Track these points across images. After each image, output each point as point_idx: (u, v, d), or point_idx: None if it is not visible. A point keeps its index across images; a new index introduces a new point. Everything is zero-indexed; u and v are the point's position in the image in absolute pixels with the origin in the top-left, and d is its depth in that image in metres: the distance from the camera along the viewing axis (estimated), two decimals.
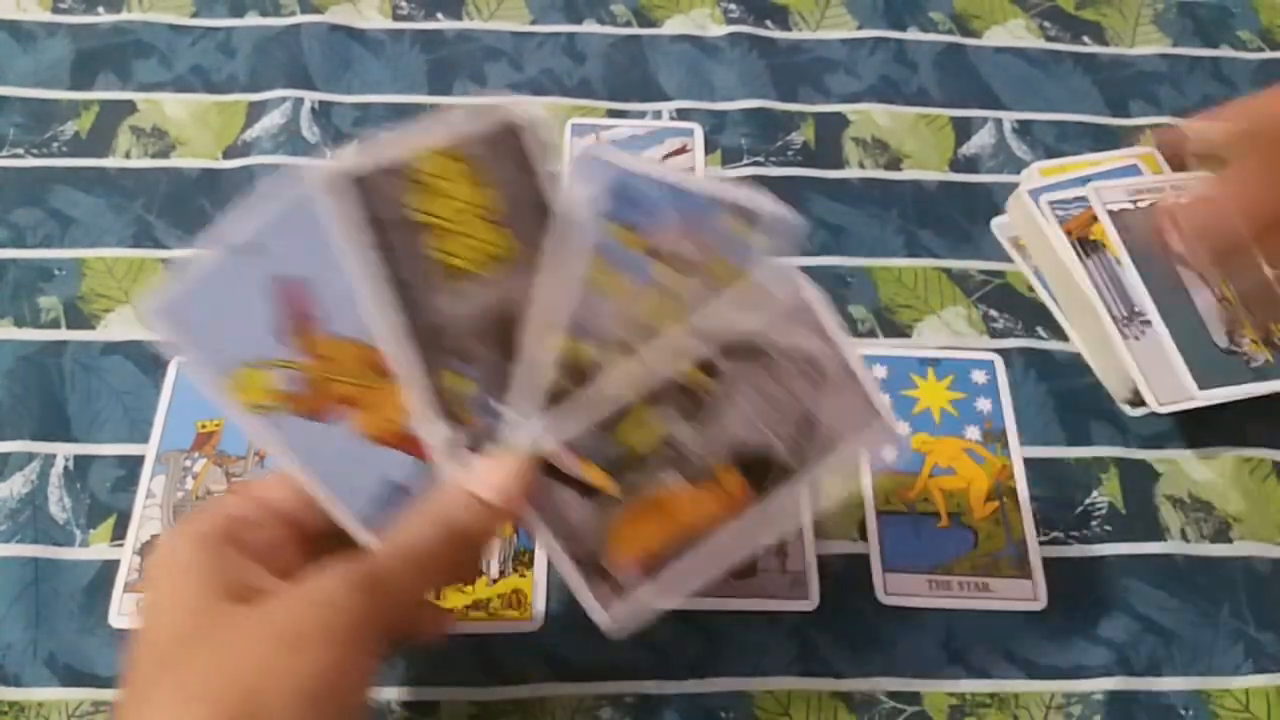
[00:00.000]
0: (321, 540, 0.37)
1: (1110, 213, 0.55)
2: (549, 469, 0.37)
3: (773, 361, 0.38)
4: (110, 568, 0.46)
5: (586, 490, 0.37)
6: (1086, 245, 0.54)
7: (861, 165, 0.62)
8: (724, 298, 0.38)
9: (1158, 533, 0.50)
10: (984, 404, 0.53)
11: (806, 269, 0.57)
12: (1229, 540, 0.50)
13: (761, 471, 0.38)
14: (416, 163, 0.36)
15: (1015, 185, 0.60)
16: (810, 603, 0.47)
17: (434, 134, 0.36)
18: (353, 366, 0.36)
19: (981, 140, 0.64)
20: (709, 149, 0.62)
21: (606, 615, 0.38)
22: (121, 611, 0.45)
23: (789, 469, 0.39)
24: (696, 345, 0.38)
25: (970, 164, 0.63)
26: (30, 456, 0.49)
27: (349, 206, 0.35)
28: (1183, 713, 0.45)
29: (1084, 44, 0.69)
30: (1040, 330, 0.56)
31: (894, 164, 0.62)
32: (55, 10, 0.65)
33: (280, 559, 0.35)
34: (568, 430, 0.37)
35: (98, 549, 0.47)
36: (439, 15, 0.67)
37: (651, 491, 0.38)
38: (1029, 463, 0.52)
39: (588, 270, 0.37)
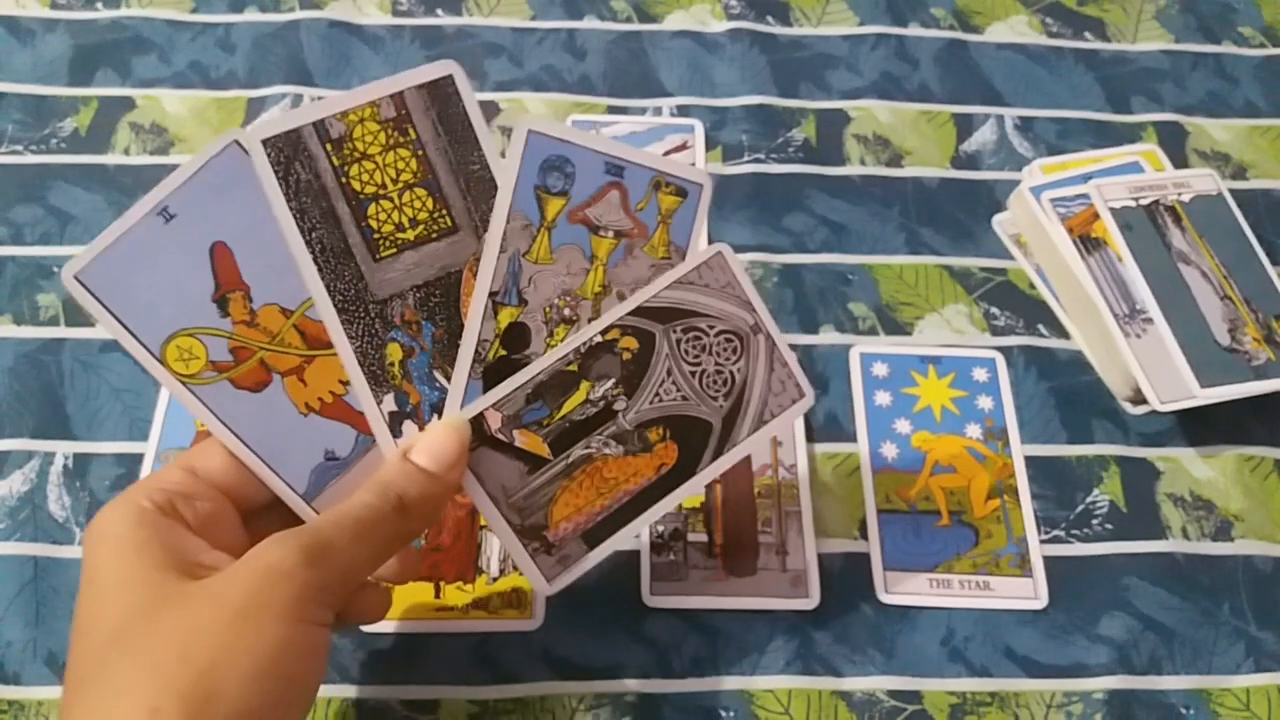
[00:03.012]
0: (260, 512, 0.37)
1: (1112, 210, 0.54)
2: (487, 438, 0.38)
3: (702, 332, 0.40)
4: None
5: (525, 458, 0.38)
6: (1088, 243, 0.54)
7: (863, 162, 0.62)
8: (656, 268, 0.40)
9: (1159, 531, 0.50)
10: (985, 402, 0.53)
11: (807, 266, 0.57)
12: (1230, 539, 0.50)
13: (693, 438, 0.40)
14: (346, 127, 0.36)
15: (1017, 182, 0.59)
16: (810, 602, 0.47)
17: (362, 96, 0.36)
18: (290, 337, 0.36)
19: (983, 137, 0.63)
20: (710, 145, 0.62)
21: (544, 579, 0.39)
22: None
23: (719, 436, 0.40)
24: (630, 315, 0.39)
25: (971, 161, 0.62)
26: (29, 454, 0.49)
27: (278, 171, 0.35)
28: (1183, 711, 0.45)
29: (1086, 40, 0.69)
30: (1041, 328, 0.56)
31: (895, 161, 0.62)
32: (54, 6, 0.65)
33: (219, 532, 0.35)
34: (505, 399, 0.38)
35: None
36: (439, 11, 0.67)
37: (587, 458, 0.39)
38: (1030, 461, 0.51)
39: (526, 241, 0.38)
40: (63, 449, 0.49)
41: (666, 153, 0.61)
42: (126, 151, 0.60)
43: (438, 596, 0.46)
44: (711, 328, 0.40)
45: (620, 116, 0.63)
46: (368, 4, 0.67)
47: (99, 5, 0.65)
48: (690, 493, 0.40)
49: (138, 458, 0.49)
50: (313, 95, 0.62)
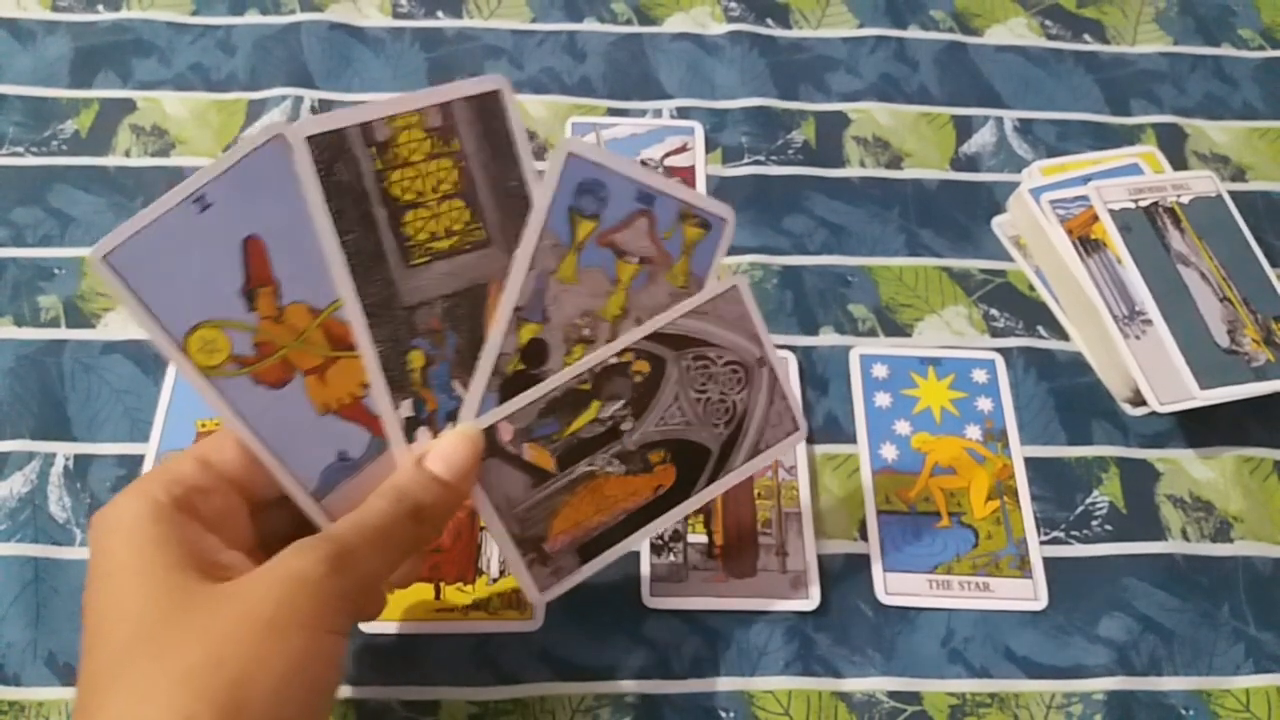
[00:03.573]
0: (266, 507, 0.37)
1: (1111, 212, 0.54)
2: (498, 449, 0.38)
3: (711, 361, 0.41)
4: None
5: (531, 471, 0.39)
6: (1087, 244, 0.54)
7: (862, 164, 0.62)
8: (674, 296, 0.40)
9: (1158, 532, 0.50)
10: (985, 403, 0.53)
11: (808, 268, 0.57)
12: (1229, 540, 0.50)
13: (691, 462, 0.41)
14: (392, 132, 0.36)
15: (1016, 184, 0.60)
16: (810, 603, 0.47)
17: (410, 102, 0.36)
18: (315, 336, 0.36)
19: (982, 139, 0.64)
20: (709, 147, 0.62)
21: (537, 589, 0.40)
22: None
23: (716, 462, 0.41)
24: (645, 339, 0.40)
25: (971, 163, 0.63)
26: (30, 456, 0.49)
27: (319, 170, 0.35)
28: (1183, 712, 0.45)
29: (1085, 42, 0.69)
30: (1041, 329, 0.56)
31: (895, 163, 0.62)
32: (55, 8, 0.65)
33: (230, 528, 0.35)
34: (519, 413, 0.38)
35: None
36: (439, 13, 0.67)
37: (591, 475, 0.40)
38: (1030, 462, 0.51)
39: (554, 260, 0.38)
40: (63, 450, 0.49)
41: (666, 154, 0.61)
42: (127, 153, 0.60)
43: (438, 597, 0.46)
44: (720, 357, 0.41)
45: (620, 119, 0.63)
46: (368, 6, 0.67)
47: (100, 7, 0.66)
48: (683, 515, 0.41)
49: (138, 459, 0.49)
50: (313, 98, 0.62)
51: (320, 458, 0.36)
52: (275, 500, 0.37)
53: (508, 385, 0.38)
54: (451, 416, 0.38)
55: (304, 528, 0.35)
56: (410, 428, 0.37)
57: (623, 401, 0.39)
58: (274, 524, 0.36)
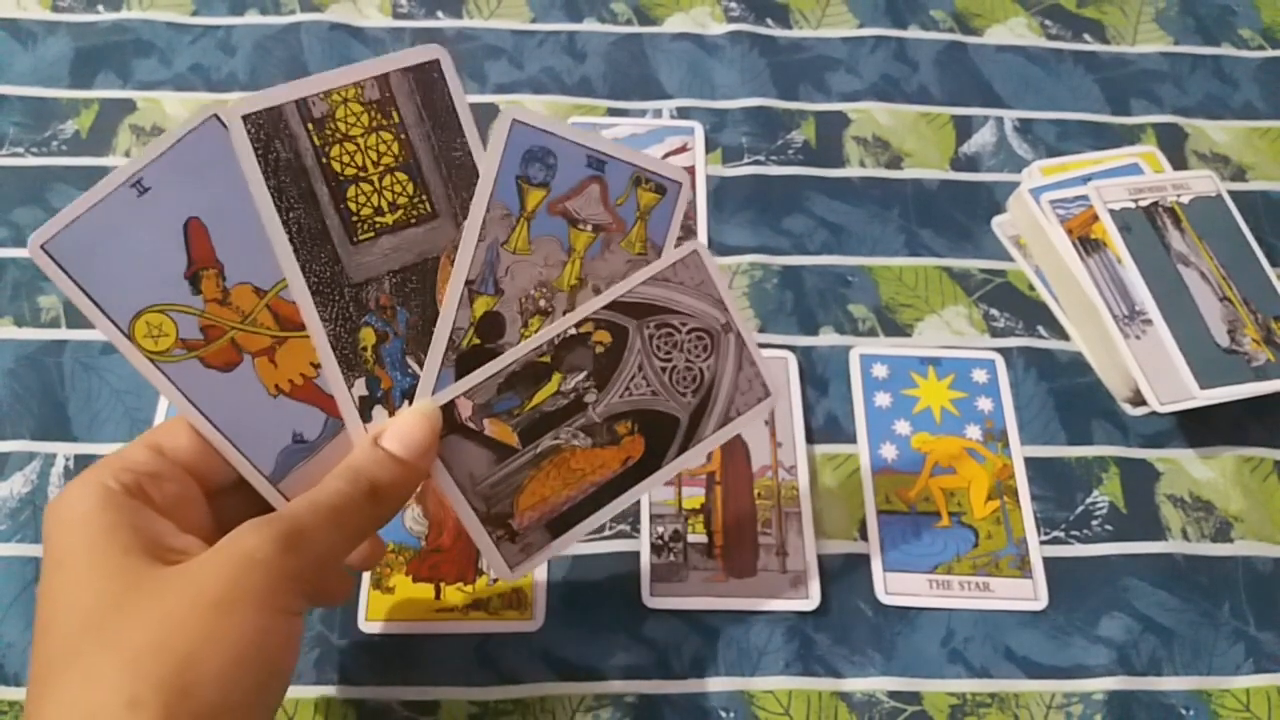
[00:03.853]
0: (225, 493, 0.36)
1: (1111, 211, 0.54)
2: (458, 426, 0.38)
3: (674, 329, 0.40)
4: None
5: (494, 447, 0.38)
6: (1087, 244, 0.54)
7: (862, 164, 0.62)
8: (632, 264, 0.40)
9: (1158, 532, 0.50)
10: (985, 403, 0.53)
11: (807, 268, 0.57)
12: (1230, 540, 0.50)
13: (660, 433, 0.40)
14: (329, 107, 0.35)
15: (1016, 184, 0.60)
16: (810, 603, 0.47)
17: (346, 76, 0.35)
18: (262, 317, 0.36)
19: (982, 139, 0.64)
20: (709, 148, 0.62)
21: (506, 567, 0.39)
22: None
23: (685, 432, 0.41)
24: (604, 309, 0.39)
25: (971, 163, 0.63)
26: (30, 456, 0.49)
27: (257, 149, 0.34)
28: (1183, 712, 0.45)
29: (1085, 42, 0.69)
30: (1041, 329, 0.56)
31: (895, 163, 0.62)
32: (55, 9, 0.65)
33: (185, 513, 0.34)
34: (477, 388, 0.38)
35: None
36: (439, 13, 0.67)
37: (556, 449, 0.39)
38: (1030, 462, 0.51)
39: (505, 230, 0.38)
40: (64, 450, 0.49)
41: (666, 154, 0.61)
42: (127, 154, 0.60)
43: (438, 597, 0.46)
44: (683, 324, 0.40)
45: (620, 119, 0.63)
46: (368, 6, 0.67)
47: (100, 7, 0.66)
48: (654, 486, 0.40)
49: None
50: None
51: (275, 440, 0.36)
52: (233, 485, 0.36)
53: (464, 360, 0.38)
54: (408, 395, 0.37)
55: (263, 511, 0.34)
56: (366, 407, 0.37)
57: (585, 373, 0.39)
58: (232, 509, 0.36)
